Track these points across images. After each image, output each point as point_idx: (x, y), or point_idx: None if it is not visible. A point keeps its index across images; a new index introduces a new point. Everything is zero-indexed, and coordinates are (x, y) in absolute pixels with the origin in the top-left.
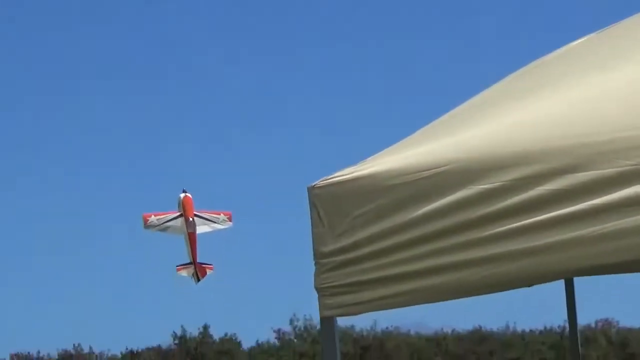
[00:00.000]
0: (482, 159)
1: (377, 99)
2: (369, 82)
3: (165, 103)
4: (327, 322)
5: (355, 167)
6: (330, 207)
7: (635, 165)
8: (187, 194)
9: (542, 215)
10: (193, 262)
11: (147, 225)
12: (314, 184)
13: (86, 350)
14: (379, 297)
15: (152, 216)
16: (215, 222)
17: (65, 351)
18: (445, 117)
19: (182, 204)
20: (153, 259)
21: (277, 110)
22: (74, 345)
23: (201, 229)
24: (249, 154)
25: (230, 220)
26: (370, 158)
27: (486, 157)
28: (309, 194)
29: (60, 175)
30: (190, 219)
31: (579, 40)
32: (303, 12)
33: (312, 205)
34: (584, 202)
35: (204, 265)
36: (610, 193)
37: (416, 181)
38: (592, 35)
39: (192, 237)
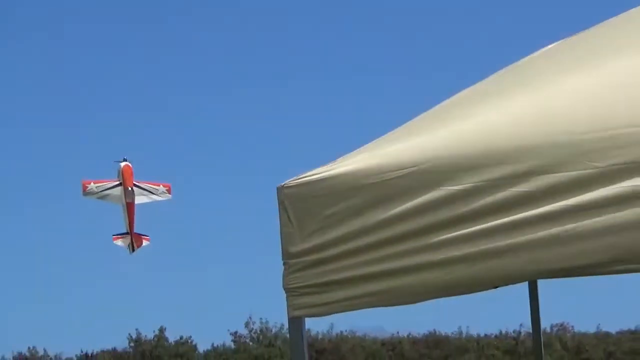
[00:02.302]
0: (452, 160)
1: (347, 99)
2: (340, 82)
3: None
4: (296, 322)
5: (324, 167)
6: (300, 207)
7: (604, 167)
8: (127, 162)
9: (510, 216)
10: (130, 232)
11: (86, 193)
12: (283, 183)
13: (41, 352)
14: (348, 297)
15: (92, 183)
16: (154, 194)
17: (20, 354)
18: (416, 118)
19: (122, 173)
20: (92, 229)
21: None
22: (28, 348)
23: (140, 199)
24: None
25: (169, 193)
26: (339, 158)
27: (456, 158)
28: (278, 193)
29: None
30: (129, 188)
31: (554, 44)
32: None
33: (282, 205)
34: (553, 203)
35: (140, 235)
36: (578, 195)
37: (385, 181)
38: (568, 38)
39: (130, 207)
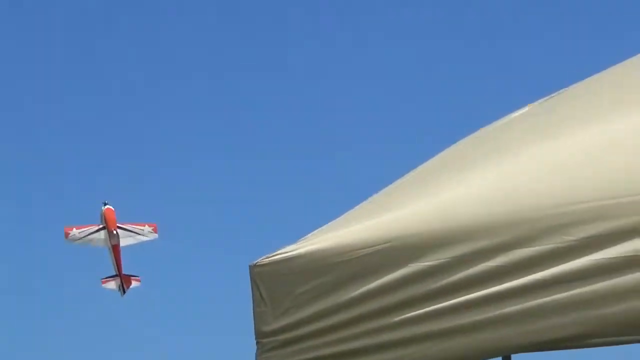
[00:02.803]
0: (420, 237)
1: (319, 172)
2: (304, 160)
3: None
4: None
5: (295, 245)
6: (272, 285)
7: (572, 241)
8: (108, 205)
9: (480, 291)
10: (118, 274)
11: (68, 239)
12: (255, 262)
13: None
14: None
15: (74, 229)
16: (139, 234)
17: None
18: (387, 190)
19: (104, 217)
20: (77, 272)
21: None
22: None
23: (125, 241)
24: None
25: (155, 232)
26: (311, 234)
27: (427, 234)
28: (250, 272)
29: None
30: (114, 231)
31: (521, 111)
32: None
33: (254, 284)
34: (525, 277)
35: (129, 277)
36: (547, 269)
37: (357, 259)
38: (534, 104)
39: (115, 250)
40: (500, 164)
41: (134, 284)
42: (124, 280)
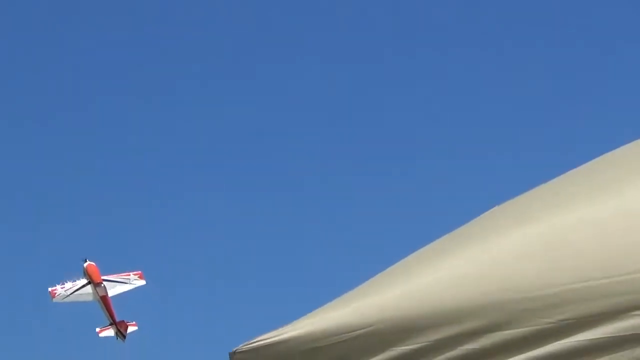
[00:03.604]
0: (403, 320)
1: (301, 257)
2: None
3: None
4: None
5: (278, 330)
6: None
7: (555, 323)
8: (89, 262)
9: None
10: (113, 322)
11: (55, 299)
12: (235, 349)
13: None
14: None
15: (58, 288)
16: (126, 283)
17: None
18: (373, 278)
19: (87, 273)
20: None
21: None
22: None
23: (114, 291)
24: None
25: (142, 279)
26: (294, 321)
27: (407, 318)
28: (230, 359)
29: None
30: (101, 284)
31: (499, 205)
32: None
33: None
34: (508, 359)
35: (124, 322)
36: (529, 351)
37: (339, 344)
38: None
39: (105, 300)
40: (479, 248)
41: (130, 328)
42: (120, 326)
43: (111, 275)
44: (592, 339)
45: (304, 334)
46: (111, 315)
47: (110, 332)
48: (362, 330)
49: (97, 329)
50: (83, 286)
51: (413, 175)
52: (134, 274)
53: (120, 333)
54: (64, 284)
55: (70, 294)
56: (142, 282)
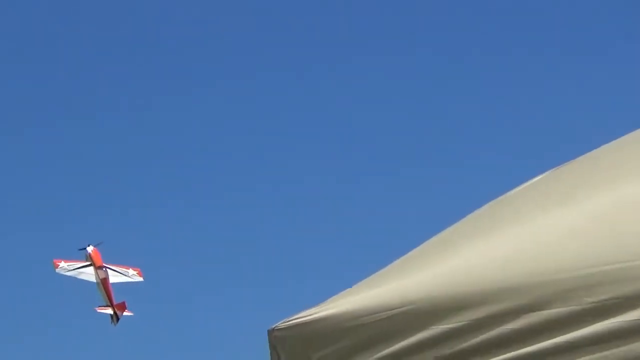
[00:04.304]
0: (444, 299)
1: (340, 234)
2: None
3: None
4: None
5: (315, 308)
6: (290, 350)
7: (597, 302)
8: (93, 247)
9: (499, 355)
10: (111, 305)
11: (58, 270)
12: (274, 326)
13: None
14: None
15: (62, 262)
16: (125, 275)
17: None
18: (406, 256)
19: (91, 257)
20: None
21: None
22: None
23: (113, 279)
24: None
25: (140, 276)
26: (330, 299)
27: (448, 297)
28: (269, 336)
29: None
30: (102, 268)
31: (542, 175)
32: None
33: (272, 349)
34: (543, 342)
35: (121, 304)
36: (569, 332)
37: (376, 322)
38: (556, 169)
39: (105, 283)
40: (518, 228)
41: (126, 312)
42: (117, 308)
43: (112, 264)
44: (632, 320)
45: (343, 311)
46: (109, 298)
47: (108, 311)
48: (402, 308)
49: (96, 307)
50: (85, 266)
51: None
52: (133, 269)
53: (116, 315)
54: (67, 260)
55: (73, 269)
56: (140, 279)
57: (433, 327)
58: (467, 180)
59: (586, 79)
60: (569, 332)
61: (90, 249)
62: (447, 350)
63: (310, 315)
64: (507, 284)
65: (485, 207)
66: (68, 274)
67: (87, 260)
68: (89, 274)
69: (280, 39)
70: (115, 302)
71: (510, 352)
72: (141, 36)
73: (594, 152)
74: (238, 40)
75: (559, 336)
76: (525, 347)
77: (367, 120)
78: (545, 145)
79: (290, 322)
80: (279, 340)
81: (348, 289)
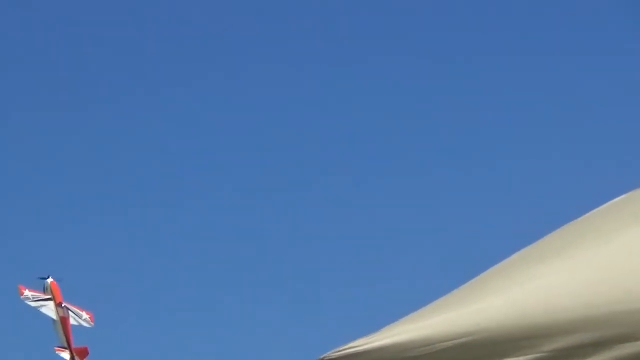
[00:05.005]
0: (511, 329)
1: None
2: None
3: None
4: None
5: (369, 337)
6: None
7: None
8: (52, 279)
9: None
10: (69, 347)
11: (22, 297)
12: (324, 355)
13: None
14: None
15: (26, 290)
16: (78, 318)
17: None
18: (469, 284)
19: (51, 290)
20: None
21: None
22: None
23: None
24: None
25: (92, 321)
26: (385, 328)
27: (516, 327)
28: None
29: None
30: (62, 305)
31: (624, 195)
32: None
33: None
34: None
35: (86, 349)
36: None
37: (435, 353)
38: (635, 190)
39: (65, 322)
40: (595, 251)
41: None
42: (77, 353)
43: (69, 303)
44: None
45: (398, 341)
46: (68, 339)
47: (66, 355)
48: (463, 339)
49: (55, 347)
50: (46, 299)
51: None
52: (86, 313)
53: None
54: (31, 290)
55: (35, 300)
56: (91, 324)
57: (498, 359)
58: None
59: None
60: None
61: (49, 280)
62: None
63: (364, 344)
64: (582, 314)
65: (560, 230)
66: (31, 304)
67: (45, 292)
68: (49, 309)
69: (280, 39)
70: (74, 346)
71: None
72: (141, 36)
73: None
74: (238, 40)
75: None
76: None
77: None
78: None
79: (343, 351)
80: None
81: (404, 318)
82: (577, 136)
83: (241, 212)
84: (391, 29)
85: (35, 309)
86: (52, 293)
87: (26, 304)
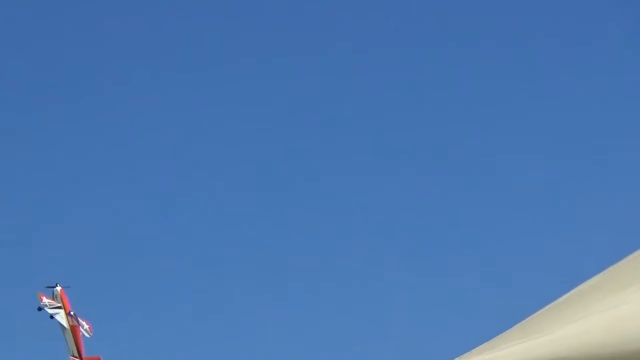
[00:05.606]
0: (587, 357)
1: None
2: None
3: None
4: None
5: None
6: None
7: None
8: (61, 287)
9: None
10: (80, 357)
11: (41, 305)
12: None
13: None
14: None
15: (44, 298)
16: (81, 327)
17: None
18: (544, 310)
19: (61, 298)
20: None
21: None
22: None
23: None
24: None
25: (90, 332)
26: (463, 356)
27: (592, 355)
28: None
29: None
30: (71, 313)
31: None
32: None
33: None
34: None
35: (93, 359)
36: None
37: None
38: None
39: (75, 331)
40: None
41: None
42: None
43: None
44: None
45: None
46: (79, 349)
47: None
48: None
49: (71, 357)
50: (58, 307)
51: None
52: (86, 323)
53: None
54: (48, 297)
55: (52, 308)
56: (90, 335)
57: None
58: None
59: None
60: None
61: (58, 288)
62: None
63: None
64: None
65: (635, 255)
66: (49, 311)
67: (55, 300)
68: (62, 317)
69: (280, 39)
70: (85, 356)
71: None
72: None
73: None
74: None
75: None
76: None
77: None
78: None
79: None
80: None
81: (479, 347)
82: None
83: (240, 212)
84: (391, 29)
85: (51, 316)
86: (62, 301)
87: (44, 311)
